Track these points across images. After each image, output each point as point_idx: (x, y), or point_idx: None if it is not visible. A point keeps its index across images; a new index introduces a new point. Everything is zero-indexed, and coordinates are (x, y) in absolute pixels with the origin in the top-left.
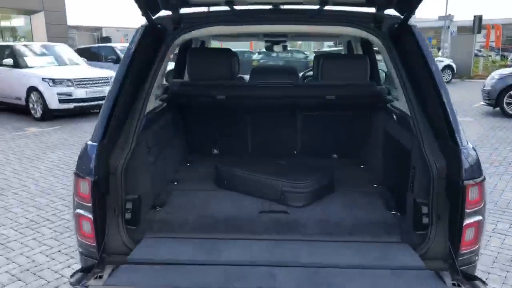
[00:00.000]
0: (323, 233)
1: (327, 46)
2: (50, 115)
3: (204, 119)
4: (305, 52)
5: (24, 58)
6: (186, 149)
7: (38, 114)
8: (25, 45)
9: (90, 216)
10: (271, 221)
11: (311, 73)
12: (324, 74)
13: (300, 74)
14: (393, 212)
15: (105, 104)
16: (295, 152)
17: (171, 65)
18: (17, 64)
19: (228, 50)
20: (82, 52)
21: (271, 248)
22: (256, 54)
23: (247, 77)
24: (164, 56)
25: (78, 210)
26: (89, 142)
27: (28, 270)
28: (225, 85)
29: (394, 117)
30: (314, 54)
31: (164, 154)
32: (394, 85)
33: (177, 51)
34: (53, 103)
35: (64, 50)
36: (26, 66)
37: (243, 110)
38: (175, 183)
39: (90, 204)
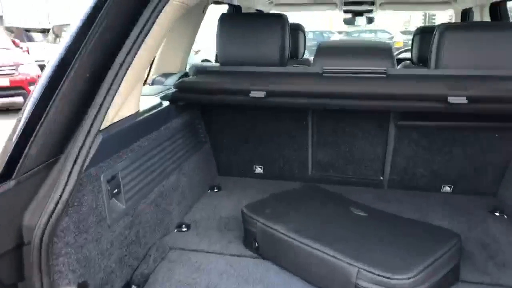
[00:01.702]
0: None
1: (414, 26)
2: None
3: (239, 123)
4: (390, 32)
5: None
6: (212, 168)
7: None
8: None
9: None
10: None
11: (405, 55)
12: (443, 57)
13: None
14: None
15: (25, 109)
16: (381, 178)
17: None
18: None
19: (280, 16)
20: None
21: None
22: (336, 33)
23: None
24: (153, 16)
25: None
26: None
27: None
28: (266, 73)
29: None
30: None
31: (162, 187)
32: None
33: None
34: None
35: None
36: None
37: (301, 111)
38: (184, 229)
39: None
